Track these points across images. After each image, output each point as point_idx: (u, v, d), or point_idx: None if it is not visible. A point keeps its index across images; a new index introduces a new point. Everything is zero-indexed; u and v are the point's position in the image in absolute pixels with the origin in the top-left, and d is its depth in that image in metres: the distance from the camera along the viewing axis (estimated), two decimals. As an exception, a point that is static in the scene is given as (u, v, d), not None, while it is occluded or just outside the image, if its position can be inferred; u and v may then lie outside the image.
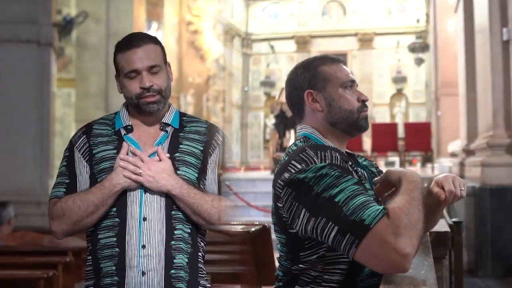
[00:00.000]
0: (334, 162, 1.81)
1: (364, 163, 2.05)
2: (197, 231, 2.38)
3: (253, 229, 4.18)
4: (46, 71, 10.11)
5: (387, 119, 26.05)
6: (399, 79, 27.48)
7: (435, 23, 17.92)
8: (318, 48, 26.57)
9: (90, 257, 2.35)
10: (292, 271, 1.92)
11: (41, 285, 4.00)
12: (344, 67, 2.11)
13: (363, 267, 1.84)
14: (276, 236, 2.00)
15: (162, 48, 2.48)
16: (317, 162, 1.80)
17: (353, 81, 2.08)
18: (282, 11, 26.85)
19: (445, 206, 2.01)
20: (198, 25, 24.40)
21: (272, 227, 2.09)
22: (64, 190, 2.37)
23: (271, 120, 20.90)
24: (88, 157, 2.37)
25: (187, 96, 23.93)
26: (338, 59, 2.13)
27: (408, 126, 15.44)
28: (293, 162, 1.85)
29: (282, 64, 26.53)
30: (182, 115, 2.51)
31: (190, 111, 22.07)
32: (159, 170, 2.27)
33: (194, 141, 2.40)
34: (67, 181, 2.39)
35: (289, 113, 14.40)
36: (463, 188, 1.96)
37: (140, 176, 2.26)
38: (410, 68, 27.21)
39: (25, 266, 4.48)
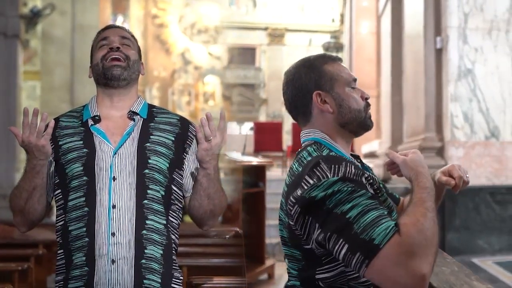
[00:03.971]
0: (347, 176, 1.72)
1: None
2: (169, 223, 2.37)
3: (227, 236, 4.23)
4: (13, 63, 10.03)
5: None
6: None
7: (351, 25, 17.92)
8: (224, 40, 25.83)
9: (61, 251, 2.33)
10: (315, 281, 1.83)
11: (15, 277, 3.99)
12: (344, 65, 2.07)
13: None
14: (290, 251, 1.92)
15: (138, 46, 2.52)
16: (329, 177, 1.72)
17: (355, 80, 2.04)
18: (184, -3, 25.71)
19: (455, 192, 1.99)
20: (164, 18, 24.25)
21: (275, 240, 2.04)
22: None
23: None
24: (52, 148, 2.33)
25: (152, 89, 23.80)
26: (337, 57, 2.10)
27: None
28: (306, 177, 1.77)
29: (184, 55, 25.68)
30: (151, 106, 2.50)
31: (155, 104, 21.97)
32: (220, 147, 2.31)
33: (165, 132, 2.40)
34: None
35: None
36: (468, 175, 1.99)
37: (208, 142, 2.27)
38: None
39: (-3, 259, 4.44)
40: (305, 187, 1.76)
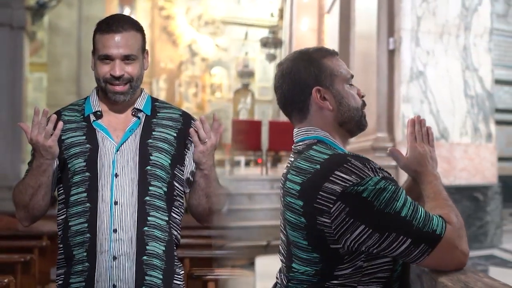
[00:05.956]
0: (385, 175, 1.73)
1: None
2: (171, 219, 2.36)
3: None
4: (18, 55, 10.04)
5: (230, 116, 24.29)
6: (246, 74, 25.93)
7: (291, 21, 17.71)
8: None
9: (61, 245, 2.32)
10: (324, 285, 1.80)
11: (18, 269, 4.00)
12: (341, 60, 1.99)
13: (394, 272, 1.84)
14: (306, 255, 1.82)
15: (143, 35, 2.42)
16: (371, 175, 1.69)
17: (352, 76, 1.96)
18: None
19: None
20: (171, 10, 24.32)
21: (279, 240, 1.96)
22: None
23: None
24: None
25: (159, 81, 23.90)
26: (334, 51, 2.01)
27: (273, 125, 13.73)
28: (338, 173, 1.70)
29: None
30: (154, 100, 2.45)
31: (162, 96, 22.05)
32: (216, 147, 2.29)
33: (167, 128, 2.37)
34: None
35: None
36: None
37: (203, 144, 2.25)
38: (258, 63, 25.67)
39: (1, 250, 4.46)
40: (344, 183, 1.68)
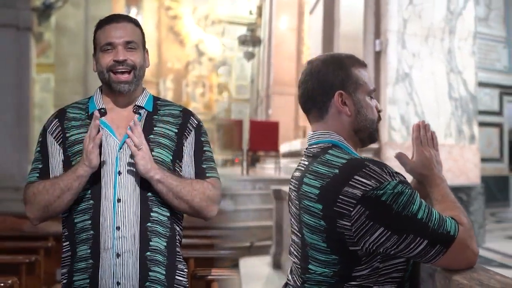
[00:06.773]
0: (401, 179, 1.78)
1: None
2: (173, 215, 2.38)
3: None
4: (25, 55, 10.03)
5: (208, 115, 24.20)
6: (223, 72, 25.89)
7: (270, 19, 17.46)
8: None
9: (67, 243, 2.34)
10: (343, 286, 1.84)
11: (23, 270, 3.98)
12: (368, 72, 2.06)
13: (406, 272, 1.90)
14: (324, 257, 1.87)
15: (142, 32, 2.46)
16: (389, 179, 1.74)
17: (375, 90, 2.04)
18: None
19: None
20: (177, 10, 24.31)
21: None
22: (37, 175, 2.36)
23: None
24: (61, 140, 2.35)
25: (167, 81, 23.90)
26: (364, 62, 2.06)
27: (254, 124, 13.59)
28: (357, 177, 1.75)
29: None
30: (156, 98, 2.48)
31: (169, 96, 22.05)
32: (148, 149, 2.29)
33: (168, 124, 2.40)
34: (40, 166, 2.38)
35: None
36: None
37: (140, 150, 2.25)
38: (235, 61, 25.56)
39: (6, 251, 4.44)
40: (363, 188, 1.73)
